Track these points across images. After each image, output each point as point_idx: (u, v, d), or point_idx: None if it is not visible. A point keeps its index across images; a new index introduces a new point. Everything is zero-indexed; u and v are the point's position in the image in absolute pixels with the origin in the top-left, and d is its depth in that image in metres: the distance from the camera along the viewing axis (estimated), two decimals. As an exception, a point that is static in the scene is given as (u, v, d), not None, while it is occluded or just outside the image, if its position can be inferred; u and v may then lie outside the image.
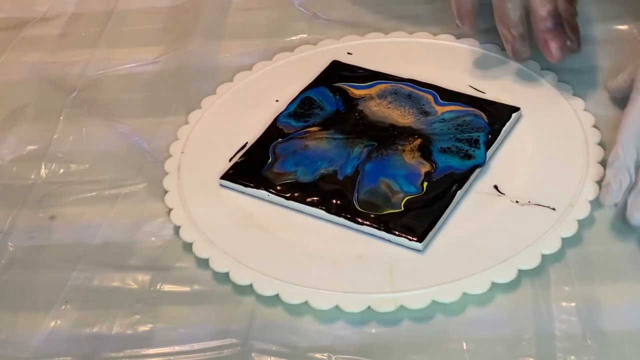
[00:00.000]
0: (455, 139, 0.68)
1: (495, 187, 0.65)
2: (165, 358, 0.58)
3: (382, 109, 0.71)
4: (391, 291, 0.59)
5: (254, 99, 0.75)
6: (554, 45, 0.69)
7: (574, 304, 0.58)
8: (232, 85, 0.76)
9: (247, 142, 0.70)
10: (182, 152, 0.71)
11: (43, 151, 0.73)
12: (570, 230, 0.61)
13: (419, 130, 0.69)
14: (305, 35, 0.81)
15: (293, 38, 0.81)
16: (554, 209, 0.62)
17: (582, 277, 0.60)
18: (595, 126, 0.68)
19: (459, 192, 0.64)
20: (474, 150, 0.67)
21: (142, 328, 0.60)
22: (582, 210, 0.62)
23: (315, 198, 0.65)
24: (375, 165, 0.67)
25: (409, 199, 0.64)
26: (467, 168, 0.65)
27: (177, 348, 0.59)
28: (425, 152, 0.67)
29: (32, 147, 0.74)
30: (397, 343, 0.58)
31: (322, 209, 0.64)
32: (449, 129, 0.69)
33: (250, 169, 0.68)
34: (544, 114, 0.70)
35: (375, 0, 0.84)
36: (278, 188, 0.66)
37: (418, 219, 0.62)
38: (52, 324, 0.61)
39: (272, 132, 0.70)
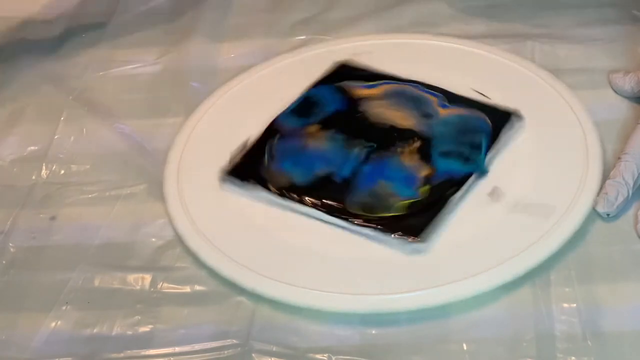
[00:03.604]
0: (456, 142, 0.68)
1: (495, 188, 0.65)
2: (166, 359, 0.58)
3: (384, 110, 0.71)
4: (394, 292, 0.59)
5: (252, 102, 0.75)
6: None
7: (574, 305, 0.58)
8: (229, 88, 0.76)
9: (247, 139, 0.70)
10: (181, 157, 0.70)
11: (44, 152, 0.73)
12: (571, 230, 0.61)
13: (420, 132, 0.69)
14: (304, 37, 0.81)
15: (293, 39, 0.81)
16: (554, 208, 0.63)
17: (583, 278, 0.60)
18: (594, 126, 0.68)
19: (456, 195, 0.64)
20: (475, 155, 0.67)
21: (143, 329, 0.60)
22: (583, 210, 0.62)
23: (313, 199, 0.65)
24: (373, 167, 0.67)
25: (406, 203, 0.64)
26: (466, 173, 0.65)
27: (177, 349, 0.59)
28: (425, 155, 0.67)
29: (32, 147, 0.74)
30: (397, 344, 0.58)
31: (322, 211, 0.64)
32: (450, 132, 0.69)
33: (248, 169, 0.67)
34: (542, 113, 0.70)
35: (377, 2, 0.84)
36: (276, 188, 0.66)
37: (417, 221, 0.62)
38: (53, 324, 0.61)
39: (271, 132, 0.70)
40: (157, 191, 0.68)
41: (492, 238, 0.62)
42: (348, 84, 0.73)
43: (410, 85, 0.73)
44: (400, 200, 0.64)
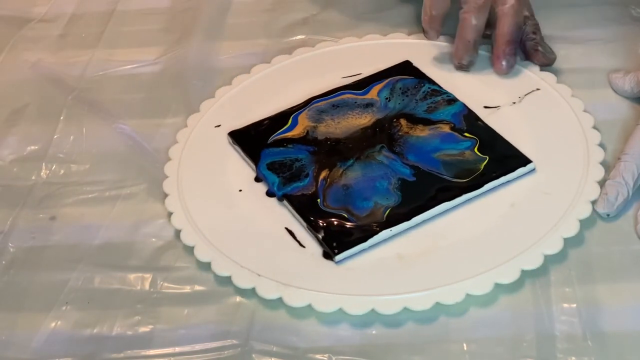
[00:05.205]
0: (421, 100, 0.71)
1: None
2: (166, 359, 0.58)
3: (337, 125, 0.70)
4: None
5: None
6: (504, 62, 0.73)
7: (574, 305, 0.58)
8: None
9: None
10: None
11: (43, 152, 0.73)
12: (571, 230, 0.61)
13: (389, 116, 0.70)
14: (304, 36, 0.81)
15: (292, 39, 0.81)
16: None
17: (583, 278, 0.60)
18: (595, 127, 0.68)
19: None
20: (448, 100, 0.71)
21: (143, 329, 0.60)
22: (583, 211, 0.62)
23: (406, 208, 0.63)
24: (413, 152, 0.67)
25: (478, 151, 0.66)
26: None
27: (177, 349, 0.59)
28: (420, 121, 0.69)
29: (32, 147, 0.74)
30: (397, 344, 0.58)
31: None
32: (403, 100, 0.71)
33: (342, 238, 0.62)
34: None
35: (376, 3, 0.84)
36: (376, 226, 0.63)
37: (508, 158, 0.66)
38: (53, 324, 0.61)
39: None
40: (157, 191, 0.68)
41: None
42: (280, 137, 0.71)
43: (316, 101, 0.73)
44: (467, 152, 0.66)
